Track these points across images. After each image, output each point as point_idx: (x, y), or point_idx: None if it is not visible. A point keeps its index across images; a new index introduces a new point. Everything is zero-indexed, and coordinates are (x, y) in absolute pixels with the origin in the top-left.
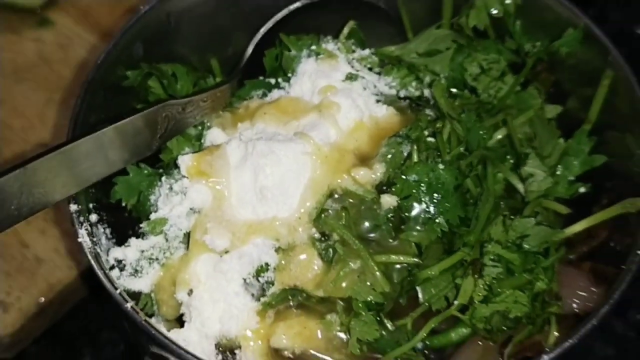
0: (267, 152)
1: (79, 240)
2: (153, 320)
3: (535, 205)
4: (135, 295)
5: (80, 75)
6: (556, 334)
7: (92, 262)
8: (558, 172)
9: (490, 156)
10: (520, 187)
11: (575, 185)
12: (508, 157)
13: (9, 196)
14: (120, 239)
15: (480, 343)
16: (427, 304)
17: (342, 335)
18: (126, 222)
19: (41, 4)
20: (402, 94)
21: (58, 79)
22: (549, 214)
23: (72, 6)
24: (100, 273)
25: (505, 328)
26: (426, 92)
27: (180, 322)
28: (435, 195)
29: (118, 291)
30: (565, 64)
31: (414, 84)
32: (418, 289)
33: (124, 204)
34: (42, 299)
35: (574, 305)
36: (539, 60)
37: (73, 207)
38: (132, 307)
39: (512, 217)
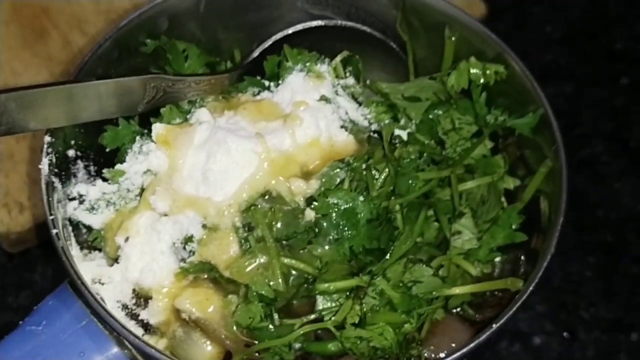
0: (222, 141)
1: (39, 166)
2: (99, 254)
3: (446, 259)
4: (88, 228)
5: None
6: None
7: (43, 188)
8: (483, 240)
9: (435, 204)
10: (450, 238)
11: (493, 254)
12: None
13: None
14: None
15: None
16: (319, 314)
17: (233, 315)
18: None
19: None
20: (373, 127)
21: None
22: (459, 270)
23: None
24: (45, 198)
25: (374, 355)
26: (396, 132)
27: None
28: (347, 222)
29: (51, 218)
30: (529, 143)
31: (386, 121)
32: (318, 297)
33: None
34: None
35: (442, 355)
36: (511, 133)
37: (46, 139)
38: (56, 234)
39: (415, 261)
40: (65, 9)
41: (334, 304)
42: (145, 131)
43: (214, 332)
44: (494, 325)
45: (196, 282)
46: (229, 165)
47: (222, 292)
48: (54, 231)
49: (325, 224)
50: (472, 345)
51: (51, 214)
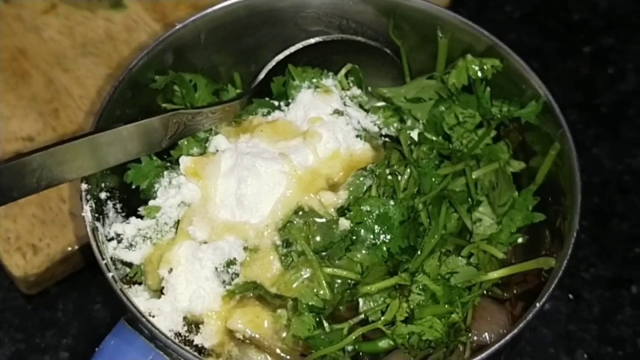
0: (250, 166)
1: (82, 214)
2: (140, 288)
3: (474, 247)
4: (128, 265)
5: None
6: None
7: (90, 234)
8: (503, 222)
9: (451, 196)
10: (471, 227)
11: (515, 235)
12: (470, 200)
13: (29, 172)
14: (130, 214)
15: (403, 356)
16: (364, 315)
17: (285, 328)
18: (139, 201)
19: None
20: (384, 132)
21: (120, 57)
22: (487, 256)
23: None
24: (93, 244)
25: (425, 347)
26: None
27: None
28: (382, 226)
29: (105, 261)
30: (530, 128)
31: (395, 124)
32: (360, 300)
33: (133, 187)
34: (69, 249)
35: (488, 338)
36: (511, 120)
37: (83, 186)
38: (112, 276)
39: (449, 253)
40: (42, 47)
41: (375, 304)
42: (168, 164)
43: (269, 347)
44: (537, 304)
45: (243, 302)
46: (260, 188)
47: (270, 307)
48: (110, 274)
49: (362, 231)
50: (521, 325)
51: (103, 258)
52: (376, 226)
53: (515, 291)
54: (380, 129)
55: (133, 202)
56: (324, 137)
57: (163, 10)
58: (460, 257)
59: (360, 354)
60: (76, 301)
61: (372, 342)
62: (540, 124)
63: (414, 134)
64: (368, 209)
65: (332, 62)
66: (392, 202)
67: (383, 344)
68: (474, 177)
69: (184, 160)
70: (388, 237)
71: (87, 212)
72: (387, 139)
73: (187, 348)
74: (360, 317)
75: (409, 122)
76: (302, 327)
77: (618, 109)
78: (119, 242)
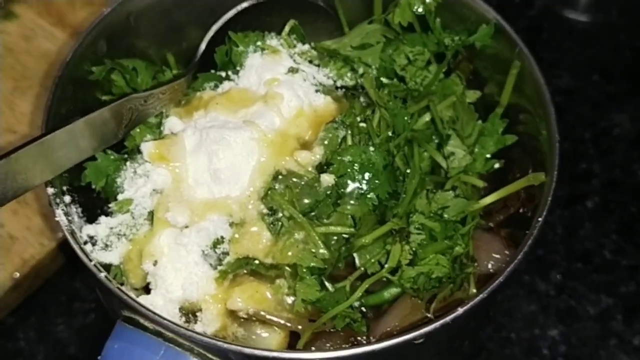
0: (219, 138)
1: (57, 219)
2: (123, 288)
3: (455, 181)
4: (106, 267)
5: (43, 65)
6: (474, 291)
7: (69, 238)
8: (476, 151)
9: (417, 137)
10: (444, 164)
11: (490, 162)
12: (434, 137)
13: None
14: (90, 218)
15: (409, 300)
16: (362, 269)
17: (289, 297)
18: (95, 202)
19: None
20: (338, 83)
21: (23, 68)
22: (468, 187)
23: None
24: (76, 247)
25: (430, 287)
26: (360, 82)
27: (146, 290)
28: (367, 174)
29: (93, 263)
30: (481, 54)
31: (349, 74)
32: (355, 255)
33: (93, 187)
34: (17, 274)
35: (490, 266)
36: (459, 51)
37: (50, 190)
38: (105, 276)
39: (434, 191)
40: None
41: (370, 256)
42: (125, 156)
43: (275, 319)
44: (539, 219)
45: (237, 280)
46: (234, 159)
47: (266, 281)
48: (103, 274)
49: (347, 182)
50: (529, 242)
51: (91, 260)
52: (360, 175)
53: (498, 219)
54: (335, 81)
55: (94, 204)
56: (286, 97)
57: (59, 13)
58: (447, 192)
59: (364, 309)
60: (36, 326)
61: (378, 294)
62: (493, 46)
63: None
64: (349, 159)
65: (268, 25)
66: (371, 148)
67: (388, 293)
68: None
69: (147, 147)
70: (375, 183)
71: (60, 215)
72: (344, 90)
73: (201, 331)
74: (358, 272)
75: (360, 70)
76: (309, 291)
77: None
78: (94, 244)
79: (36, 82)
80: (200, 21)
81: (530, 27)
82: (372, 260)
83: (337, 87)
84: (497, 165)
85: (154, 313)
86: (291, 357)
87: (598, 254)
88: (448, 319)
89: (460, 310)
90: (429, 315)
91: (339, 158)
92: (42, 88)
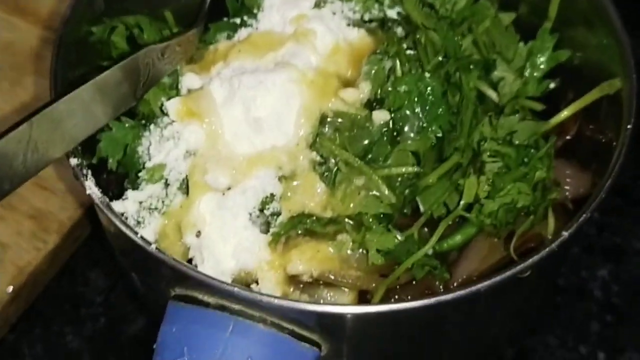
0: (254, 84)
1: (88, 192)
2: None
3: (514, 105)
4: None
5: (8, 56)
6: (552, 223)
7: (105, 211)
8: (526, 73)
9: (463, 64)
10: (490, 93)
11: (544, 83)
12: (471, 66)
13: (17, 151)
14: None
15: (486, 240)
16: (429, 212)
17: (354, 253)
18: (109, 181)
19: None
20: (366, 17)
21: None
22: (525, 112)
23: None
24: (117, 221)
25: (511, 221)
26: (389, 13)
27: None
28: (426, 103)
29: (139, 235)
30: None
31: (376, 6)
32: (418, 199)
33: (109, 162)
34: (10, 288)
35: (566, 193)
36: None
37: (73, 161)
38: (157, 248)
39: (497, 117)
40: None
41: (434, 197)
42: (143, 121)
43: (342, 279)
44: (628, 127)
45: (292, 243)
46: (275, 105)
47: (325, 238)
48: (153, 246)
49: (407, 114)
50: (622, 152)
51: (136, 233)
52: (420, 105)
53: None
54: (362, 14)
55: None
56: (318, 32)
57: (15, 1)
58: (512, 116)
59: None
60: (42, 339)
61: (451, 237)
62: None
63: (393, 13)
64: (405, 88)
65: None
66: (427, 75)
67: (463, 235)
68: (470, 40)
69: (172, 104)
70: (436, 113)
71: (91, 187)
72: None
73: (274, 294)
74: (425, 217)
75: (386, 1)
76: (384, 239)
77: None
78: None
79: (3, 76)
80: None
81: None
82: (438, 203)
83: (364, 21)
84: (552, 85)
85: (221, 281)
86: (392, 308)
87: (636, 187)
88: (554, 245)
89: (565, 235)
90: (511, 254)
91: (392, 90)
92: (10, 81)
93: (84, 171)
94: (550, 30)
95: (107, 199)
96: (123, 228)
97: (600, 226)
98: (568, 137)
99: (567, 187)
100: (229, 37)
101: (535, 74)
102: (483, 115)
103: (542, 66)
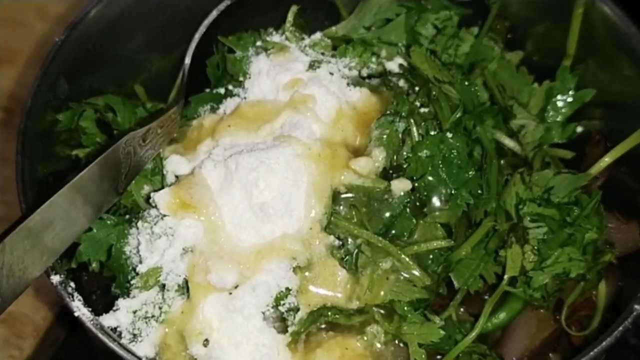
0: (255, 164)
1: (76, 314)
2: None
3: (542, 156)
4: None
5: None
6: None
7: (100, 336)
8: (549, 119)
9: (478, 115)
10: (508, 142)
11: (569, 127)
12: (483, 116)
13: None
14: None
15: (532, 313)
16: (464, 289)
17: (385, 346)
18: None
19: None
20: (364, 73)
21: None
22: (554, 162)
23: None
24: (115, 346)
25: (557, 289)
26: (388, 65)
27: None
28: (452, 167)
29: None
30: (517, 6)
31: (373, 59)
32: (451, 275)
33: (92, 265)
34: None
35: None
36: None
37: (55, 279)
38: None
39: (529, 173)
40: None
41: (468, 272)
42: (128, 217)
43: None
44: None
45: (314, 341)
46: (280, 186)
47: (351, 332)
48: None
49: (432, 181)
50: None
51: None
52: (445, 170)
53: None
54: (359, 70)
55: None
56: (319, 97)
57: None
58: (545, 170)
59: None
60: None
61: (496, 316)
62: None
63: (394, 65)
64: (427, 153)
65: (257, 25)
66: (449, 135)
67: (508, 312)
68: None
69: (162, 197)
70: (464, 177)
71: (79, 308)
72: (371, 80)
73: None
74: (461, 295)
75: (383, 53)
76: (426, 331)
77: None
78: (119, 337)
79: None
80: (169, 39)
81: None
82: (473, 276)
83: (362, 78)
84: (579, 129)
85: None
86: None
87: None
88: (628, 322)
89: (638, 308)
90: (562, 326)
91: (412, 155)
92: None
93: (69, 289)
94: (569, 69)
95: (99, 321)
96: (123, 353)
97: None
98: (599, 184)
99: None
100: (213, 110)
101: (558, 118)
102: (507, 171)
103: (564, 109)
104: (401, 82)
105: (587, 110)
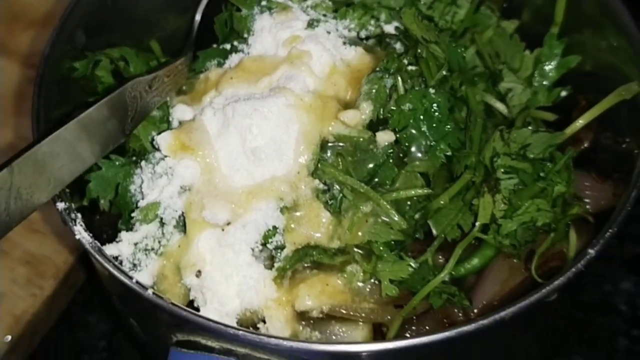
0: (250, 111)
1: (77, 237)
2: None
3: (525, 116)
4: None
5: None
6: (574, 239)
7: (97, 256)
8: (535, 83)
9: (468, 77)
10: (498, 105)
11: (555, 91)
12: (476, 79)
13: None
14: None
15: (505, 262)
16: (442, 236)
17: (366, 284)
18: (101, 222)
19: None
20: (362, 34)
21: None
22: (537, 124)
23: None
24: (109, 266)
25: (530, 240)
26: (386, 28)
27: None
28: (433, 121)
29: (134, 280)
30: None
31: (372, 22)
32: (430, 222)
33: (101, 203)
34: (9, 337)
35: (587, 206)
36: None
37: (61, 205)
38: (154, 292)
39: (508, 130)
40: None
41: (447, 219)
42: (134, 158)
43: (355, 313)
44: None
45: (299, 277)
46: (272, 133)
47: (334, 270)
48: (150, 292)
49: (413, 133)
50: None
51: (131, 278)
52: (426, 123)
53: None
54: (358, 32)
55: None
56: (314, 53)
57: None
58: (524, 129)
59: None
60: None
61: (468, 261)
62: None
63: (391, 28)
64: (410, 106)
65: None
66: (432, 90)
67: (480, 258)
68: (472, 52)
69: (164, 138)
70: (443, 131)
71: (80, 232)
72: (371, 41)
73: (283, 334)
74: (438, 242)
75: (382, 17)
76: (398, 268)
77: None
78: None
79: None
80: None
81: None
82: (452, 225)
83: (360, 39)
84: (563, 93)
85: (225, 325)
86: (410, 344)
87: None
88: (580, 265)
89: (592, 252)
90: (533, 275)
91: (396, 108)
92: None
93: (72, 215)
94: (557, 36)
95: (99, 244)
96: (116, 273)
97: (621, 237)
98: (584, 147)
99: (587, 200)
100: (220, 65)
101: (544, 83)
102: (493, 130)
103: (551, 74)
104: (398, 45)
105: (574, 77)
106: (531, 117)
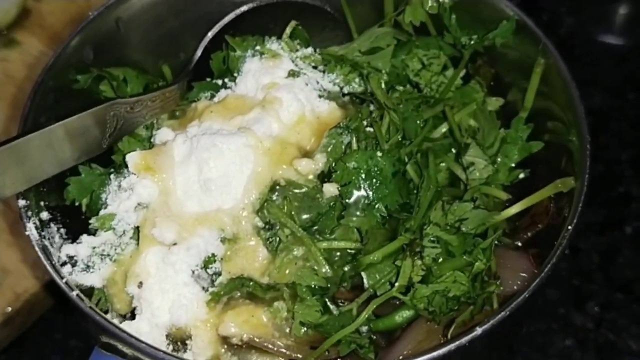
0: (210, 145)
1: (27, 233)
2: (108, 316)
3: (474, 192)
4: (88, 291)
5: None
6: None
7: (39, 254)
8: (499, 160)
9: (433, 147)
10: (463, 176)
11: (514, 172)
12: (452, 148)
13: None
14: (76, 239)
15: (425, 325)
16: (371, 290)
17: (288, 322)
18: (83, 223)
19: (7, 25)
20: (345, 90)
21: (24, 96)
22: (490, 200)
23: (38, 26)
24: (47, 264)
25: (448, 310)
26: (369, 88)
27: (133, 317)
28: (374, 181)
29: (64, 280)
30: (502, 57)
31: (357, 80)
32: (363, 274)
33: (77, 204)
34: (9, 309)
35: (515, 287)
36: (478, 55)
37: (21, 202)
38: (77, 295)
39: (451, 202)
40: None
41: (381, 275)
42: (112, 171)
43: (272, 346)
44: (569, 228)
45: (231, 303)
46: (226, 168)
47: (264, 304)
48: (74, 293)
49: (352, 191)
50: (557, 253)
51: (62, 277)
52: (367, 183)
53: (525, 237)
54: (341, 87)
55: (79, 224)
56: (285, 101)
57: (61, 39)
58: (465, 203)
59: (373, 336)
60: None
61: (388, 317)
62: (515, 45)
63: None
64: (354, 165)
65: (270, 32)
66: (379, 154)
67: (400, 316)
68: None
69: (132, 157)
70: (383, 192)
71: (31, 229)
72: (350, 98)
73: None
74: (367, 294)
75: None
76: (309, 313)
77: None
78: (74, 265)
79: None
80: (198, 30)
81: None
82: (383, 280)
83: (343, 94)
84: (522, 175)
85: (133, 337)
86: None
87: (639, 283)
88: (464, 340)
89: (478, 330)
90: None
91: (342, 164)
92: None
93: (29, 213)
94: (525, 121)
95: (46, 242)
96: (50, 270)
97: (598, 320)
98: (539, 228)
99: (518, 282)
100: (211, 97)
101: (507, 163)
102: (447, 198)
103: (514, 156)
104: (372, 106)
105: (534, 161)
106: (484, 193)
